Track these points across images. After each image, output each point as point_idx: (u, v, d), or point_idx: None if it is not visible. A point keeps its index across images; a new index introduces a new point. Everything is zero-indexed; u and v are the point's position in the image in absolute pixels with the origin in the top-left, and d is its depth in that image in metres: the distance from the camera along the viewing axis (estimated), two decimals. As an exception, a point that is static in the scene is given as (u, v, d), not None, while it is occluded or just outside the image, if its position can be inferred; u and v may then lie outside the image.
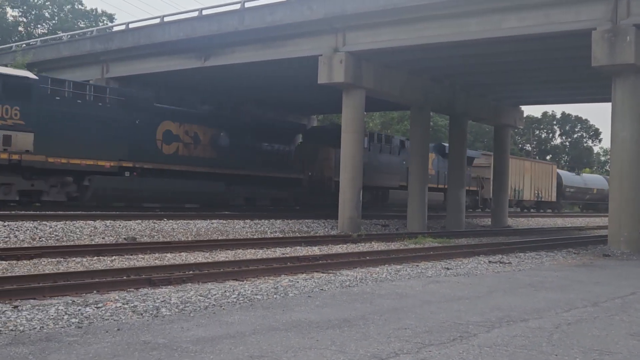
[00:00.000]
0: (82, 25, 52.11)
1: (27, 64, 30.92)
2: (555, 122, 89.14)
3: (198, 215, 21.74)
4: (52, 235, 16.18)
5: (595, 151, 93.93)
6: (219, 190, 25.91)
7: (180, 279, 10.16)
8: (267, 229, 21.79)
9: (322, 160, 29.93)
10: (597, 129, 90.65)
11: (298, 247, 17.14)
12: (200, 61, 26.40)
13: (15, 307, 7.57)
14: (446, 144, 37.92)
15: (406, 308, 7.93)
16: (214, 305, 7.92)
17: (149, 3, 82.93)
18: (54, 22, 53.40)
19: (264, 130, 28.96)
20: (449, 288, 9.88)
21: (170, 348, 5.60)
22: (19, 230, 15.84)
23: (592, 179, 59.63)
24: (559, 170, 54.93)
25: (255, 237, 19.68)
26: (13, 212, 18.14)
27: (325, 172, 29.58)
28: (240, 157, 27.11)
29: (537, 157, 77.92)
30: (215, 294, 8.69)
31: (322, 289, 9.49)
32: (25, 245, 14.58)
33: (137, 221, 19.06)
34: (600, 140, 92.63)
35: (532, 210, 50.18)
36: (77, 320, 6.82)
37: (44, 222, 16.94)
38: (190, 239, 17.70)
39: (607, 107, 21.35)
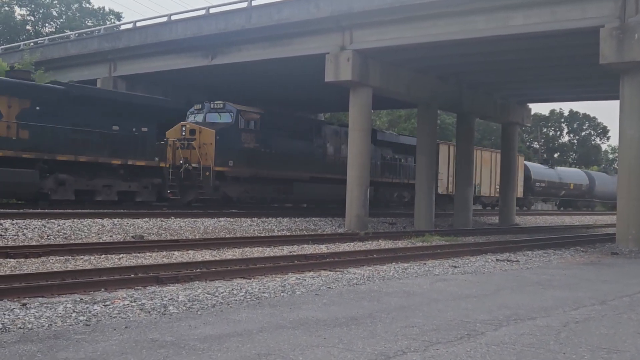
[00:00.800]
0: (90, 24, 52.31)
1: (35, 63, 31.10)
2: (563, 120, 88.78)
3: (205, 214, 21.77)
4: (60, 233, 16.24)
5: (603, 149, 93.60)
6: (30, 180, 19.76)
7: (187, 276, 10.18)
8: (274, 227, 21.81)
9: (200, 145, 24.15)
10: (605, 127, 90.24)
11: (305, 245, 17.14)
12: (207, 59, 26.45)
13: (24, 305, 7.61)
14: (376, 129, 32.93)
15: (413, 306, 7.93)
16: (221, 303, 7.94)
17: (156, 2, 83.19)
18: (61, 20, 53.60)
19: (107, 105, 22.17)
20: (456, 286, 9.87)
21: (178, 346, 5.61)
22: (27, 229, 15.91)
23: (568, 173, 54.00)
24: (527, 163, 48.33)
25: (262, 235, 19.71)
26: (21, 211, 18.23)
27: (202, 160, 23.92)
28: (67, 138, 20.86)
29: (544, 155, 77.55)
30: (222, 292, 8.71)
31: (329, 287, 9.49)
32: (34, 243, 14.63)
33: (144, 219, 19.11)
34: (608, 138, 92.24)
35: (496, 208, 42.01)
36: (85, 318, 6.84)
37: (52, 221, 17.00)
38: (197, 237, 17.73)
39: (615, 104, 21.28)
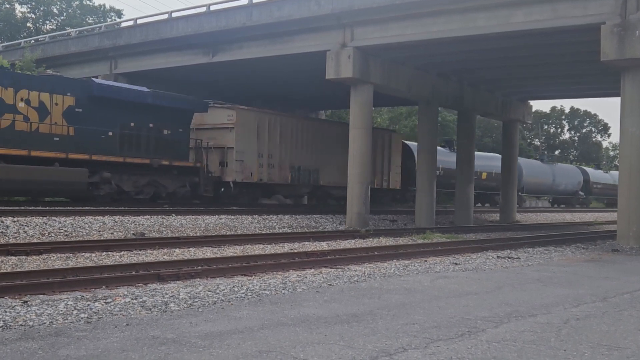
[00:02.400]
0: (91, 21, 52.35)
1: (36, 60, 31.09)
2: (564, 117, 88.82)
3: (206, 211, 21.78)
4: (61, 230, 16.25)
5: (604, 146, 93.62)
6: None
7: (188, 274, 10.19)
8: (275, 224, 21.82)
9: None
10: (606, 124, 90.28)
11: (306, 243, 17.15)
12: (208, 57, 26.45)
13: (25, 302, 7.61)
14: (143, 88, 22.78)
15: (414, 303, 7.93)
16: (222, 300, 7.94)
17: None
18: (62, 18, 53.63)
19: None
20: (457, 283, 9.87)
21: (179, 343, 5.62)
22: (28, 226, 15.92)
23: (478, 159, 36.88)
24: (410, 143, 35.39)
25: (263, 232, 19.72)
26: (22, 208, 18.23)
27: None
28: None
29: (545, 152, 77.31)
30: (223, 289, 8.72)
31: (330, 284, 9.50)
32: (35, 240, 14.64)
33: (145, 217, 19.11)
34: (609, 135, 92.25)
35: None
36: (86, 315, 6.85)
37: (53, 218, 17.00)
38: (198, 235, 17.74)
39: (616, 101, 21.27)
